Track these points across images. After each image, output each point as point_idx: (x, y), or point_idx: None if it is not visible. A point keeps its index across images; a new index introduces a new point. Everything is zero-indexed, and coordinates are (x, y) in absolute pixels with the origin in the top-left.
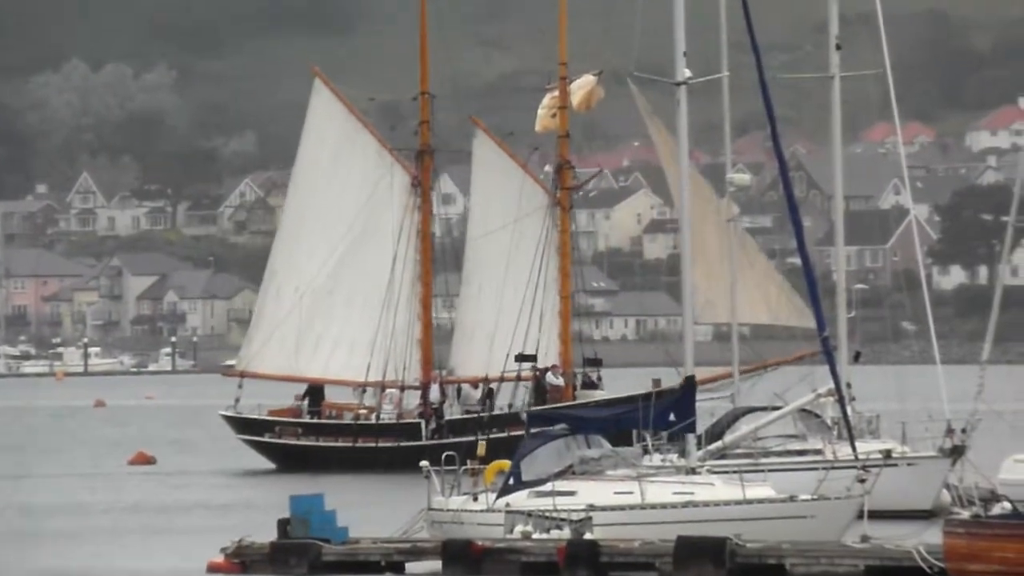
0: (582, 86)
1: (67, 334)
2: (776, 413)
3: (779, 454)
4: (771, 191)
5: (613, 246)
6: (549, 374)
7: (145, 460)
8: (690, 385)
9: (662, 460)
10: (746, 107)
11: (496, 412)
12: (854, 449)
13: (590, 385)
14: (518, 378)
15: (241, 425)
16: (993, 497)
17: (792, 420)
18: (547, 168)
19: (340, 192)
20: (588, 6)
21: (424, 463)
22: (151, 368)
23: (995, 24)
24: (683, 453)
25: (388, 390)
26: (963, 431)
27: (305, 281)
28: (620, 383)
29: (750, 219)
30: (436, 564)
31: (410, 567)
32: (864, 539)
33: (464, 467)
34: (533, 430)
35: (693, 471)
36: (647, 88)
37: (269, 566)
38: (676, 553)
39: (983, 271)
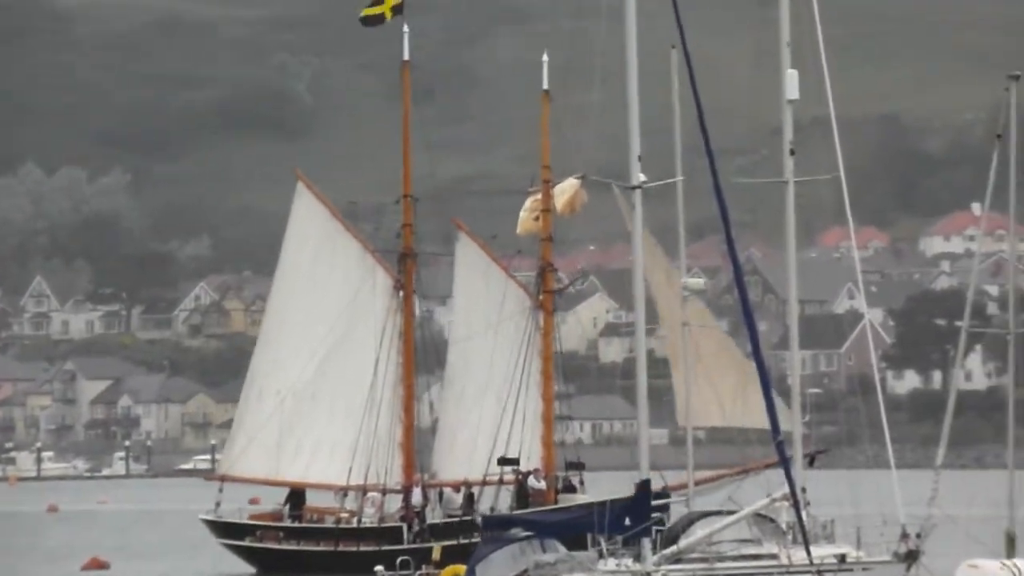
0: (566, 190)
1: (20, 438)
2: (731, 518)
3: (734, 558)
4: (727, 295)
5: (569, 349)
6: (531, 478)
7: (99, 565)
8: (645, 489)
9: (617, 565)
10: (702, 211)
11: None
12: (808, 554)
13: (570, 489)
14: (500, 482)
15: (221, 529)
16: None
17: (747, 524)
18: (529, 274)
19: (322, 294)
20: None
21: (379, 568)
22: (105, 472)
23: (948, 128)
24: (638, 557)
25: (370, 494)
26: (918, 536)
27: (287, 384)
28: (602, 487)
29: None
30: None
31: None
32: None
33: (419, 571)
34: (488, 534)
35: (648, 575)
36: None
37: None
38: None
39: (937, 376)
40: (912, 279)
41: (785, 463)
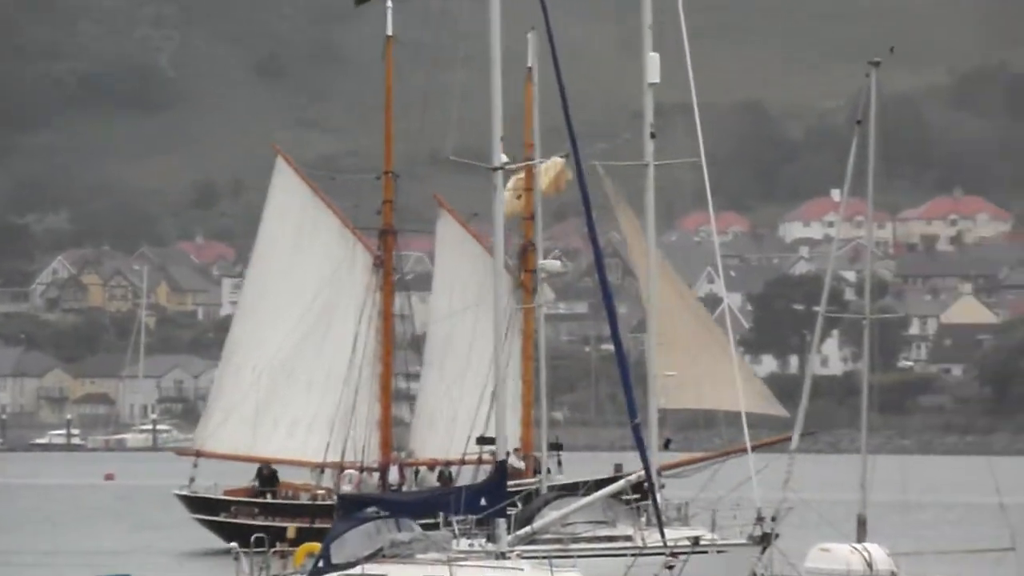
0: (550, 169)
1: None
2: (585, 500)
3: (588, 540)
4: (587, 277)
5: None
6: (511, 457)
7: None
8: (502, 470)
9: (471, 544)
10: (565, 193)
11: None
12: (663, 536)
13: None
14: (479, 461)
15: (196, 504)
16: None
17: (601, 507)
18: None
19: (302, 270)
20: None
21: (233, 544)
22: None
23: (809, 115)
24: (492, 537)
25: (347, 471)
26: (772, 519)
27: (264, 360)
28: (580, 468)
29: (565, 305)
30: None
31: None
32: None
33: (273, 549)
34: (344, 513)
35: (503, 555)
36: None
37: None
38: None
39: (794, 360)
40: (771, 264)
41: (641, 446)
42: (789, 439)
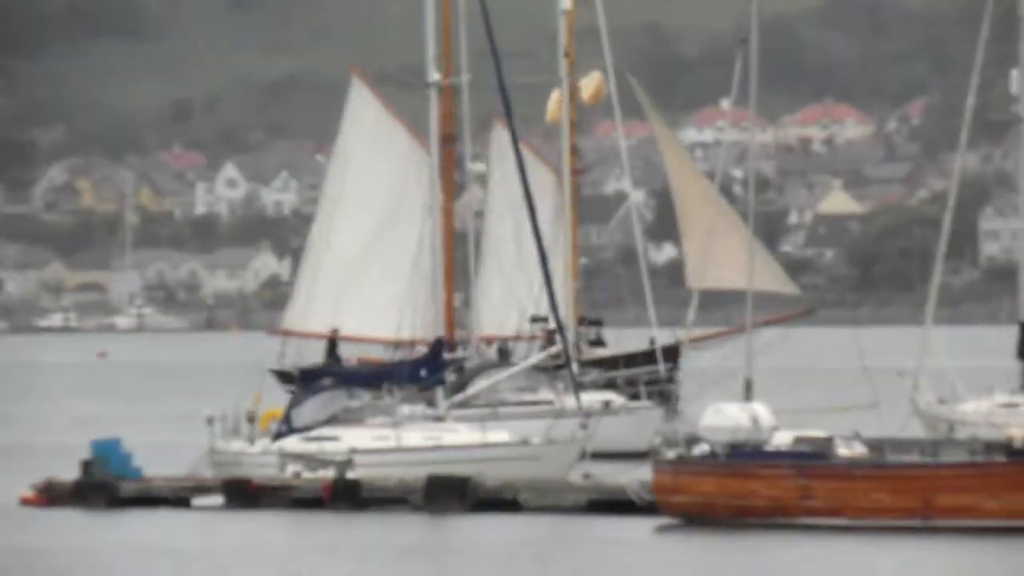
0: (590, 82)
1: None
2: (512, 369)
3: (514, 403)
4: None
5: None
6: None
7: None
8: (438, 345)
9: (412, 410)
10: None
11: None
12: (578, 400)
13: (598, 343)
14: (532, 338)
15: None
16: (695, 440)
17: (525, 376)
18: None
19: (375, 176)
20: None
21: (206, 411)
22: None
23: (702, 34)
24: (432, 403)
25: (418, 347)
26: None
27: (342, 253)
28: (622, 342)
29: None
30: (218, 499)
31: (196, 502)
32: (586, 477)
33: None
34: (303, 383)
35: (440, 419)
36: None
37: (74, 501)
38: (426, 489)
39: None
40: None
41: (559, 324)
42: (798, 315)
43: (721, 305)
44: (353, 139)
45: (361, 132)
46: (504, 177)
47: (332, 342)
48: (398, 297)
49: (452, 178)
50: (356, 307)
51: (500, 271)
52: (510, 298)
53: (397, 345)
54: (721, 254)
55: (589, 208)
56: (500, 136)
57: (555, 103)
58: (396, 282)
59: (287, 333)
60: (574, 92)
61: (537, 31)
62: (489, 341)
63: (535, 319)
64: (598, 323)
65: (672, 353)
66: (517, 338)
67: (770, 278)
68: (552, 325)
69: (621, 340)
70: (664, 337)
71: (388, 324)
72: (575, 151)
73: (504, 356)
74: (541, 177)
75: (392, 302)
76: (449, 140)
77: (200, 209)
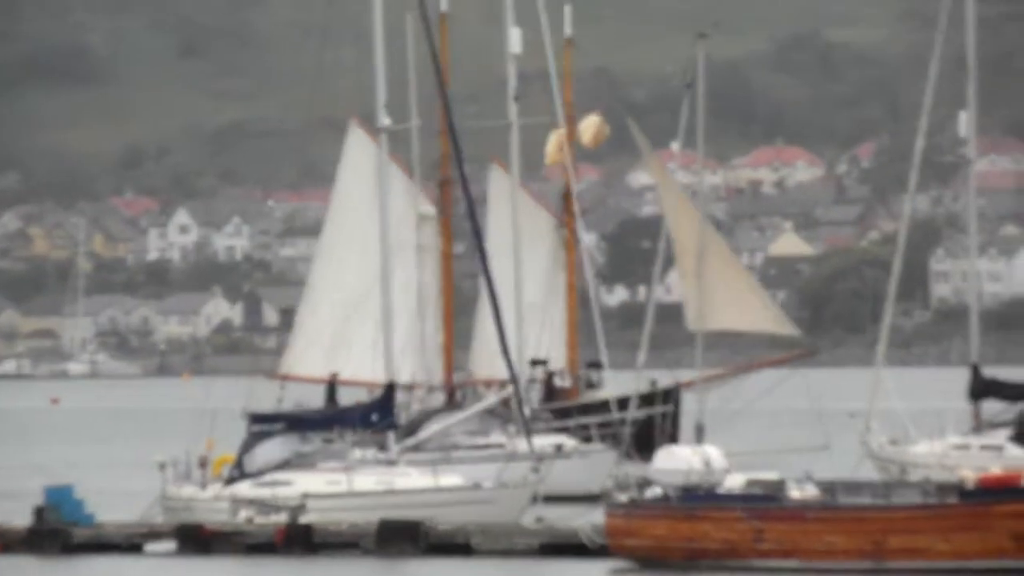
0: (590, 125)
1: None
2: (463, 413)
3: (466, 448)
4: (464, 222)
5: None
6: (556, 377)
7: None
8: (390, 389)
9: (364, 454)
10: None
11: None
12: (530, 444)
13: (591, 386)
14: (531, 381)
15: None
16: (647, 483)
17: (477, 420)
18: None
19: (373, 218)
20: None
21: (158, 456)
22: None
23: (650, 79)
24: (383, 447)
25: (416, 390)
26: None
27: (340, 296)
28: (617, 383)
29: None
30: (171, 545)
31: (148, 548)
32: (539, 520)
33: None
34: (254, 428)
35: (392, 463)
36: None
37: (27, 547)
38: (378, 534)
39: (642, 290)
40: (621, 207)
41: (510, 365)
42: (800, 356)
43: (717, 347)
44: (352, 185)
45: (360, 178)
46: (500, 219)
47: (331, 386)
48: (396, 340)
49: (449, 221)
50: (354, 351)
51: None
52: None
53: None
54: (721, 296)
55: None
56: (497, 178)
57: (554, 146)
58: (395, 325)
59: (285, 378)
60: (572, 134)
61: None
62: (488, 384)
63: (535, 362)
64: (597, 365)
65: (672, 394)
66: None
67: (769, 319)
68: (552, 367)
69: (621, 382)
70: (664, 379)
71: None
72: (572, 194)
73: (505, 401)
74: (540, 221)
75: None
76: (447, 183)
77: (152, 255)
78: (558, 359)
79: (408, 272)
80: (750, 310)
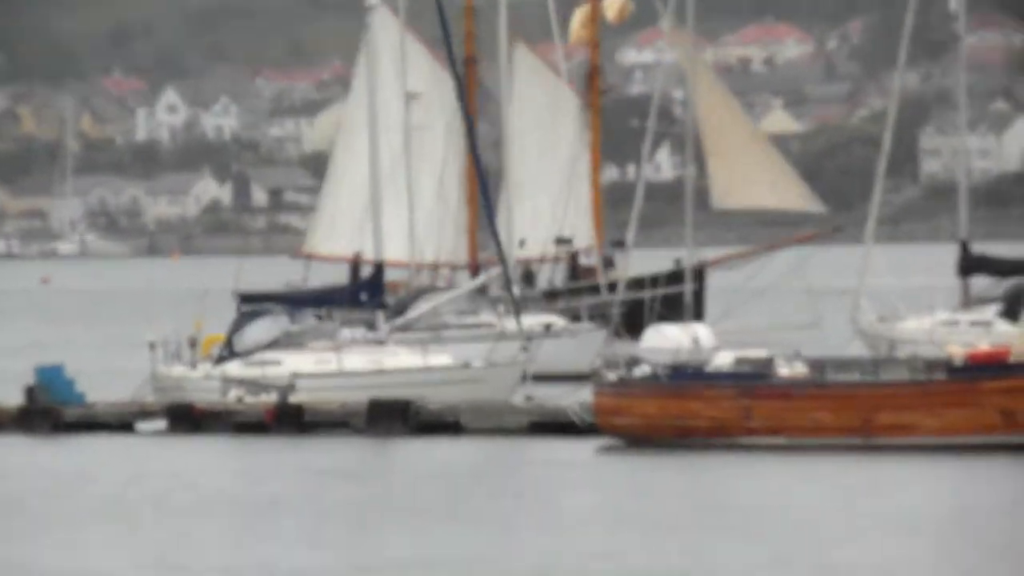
0: (614, 1)
1: None
2: (452, 293)
3: (455, 327)
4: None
5: (318, 149)
6: (582, 255)
7: None
8: (379, 269)
9: (353, 334)
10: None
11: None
12: (519, 323)
13: (610, 264)
14: (556, 259)
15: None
16: (636, 361)
17: (466, 299)
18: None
19: (398, 96)
20: None
21: (148, 336)
22: None
23: None
24: (371, 327)
25: (441, 269)
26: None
27: (363, 175)
28: (644, 263)
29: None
30: (161, 424)
31: (139, 427)
32: (528, 399)
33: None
34: (244, 308)
35: (382, 342)
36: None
37: (18, 426)
38: (368, 413)
39: (632, 169)
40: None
41: (499, 247)
42: (825, 234)
43: (707, 226)
44: (375, 63)
45: (381, 55)
46: (523, 99)
47: (355, 265)
48: (420, 220)
49: (475, 99)
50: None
51: (522, 191)
52: (535, 219)
53: (419, 268)
54: (749, 173)
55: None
56: (521, 57)
57: (579, 22)
58: (418, 205)
59: (310, 256)
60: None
61: None
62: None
63: (560, 240)
64: (620, 244)
65: (698, 274)
66: (542, 260)
67: (796, 197)
68: (577, 245)
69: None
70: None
71: (412, 247)
72: (598, 72)
73: (529, 279)
74: (564, 98)
75: (415, 225)
76: (471, 62)
77: (141, 135)
78: (583, 238)
79: (433, 151)
80: (778, 187)
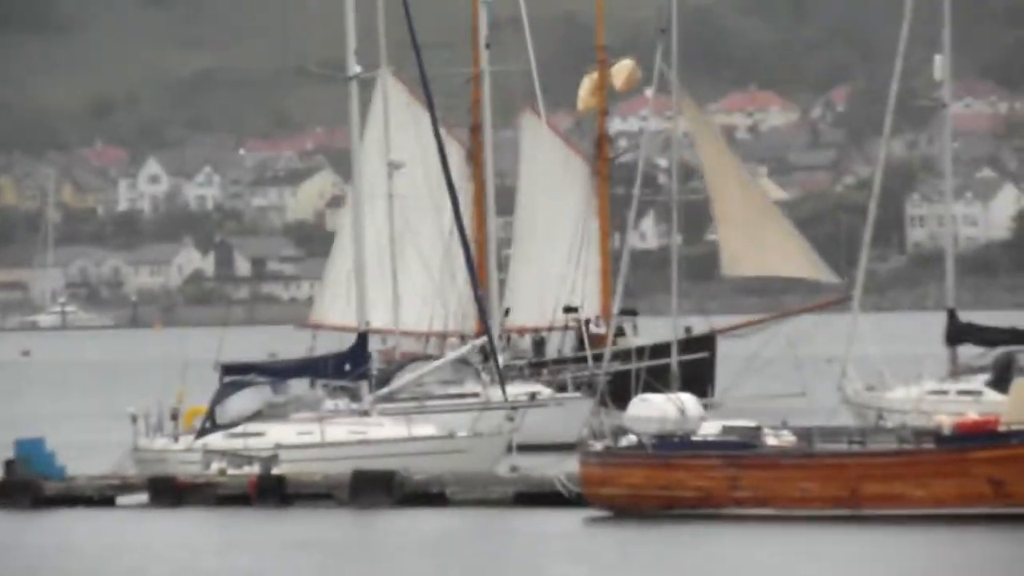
0: (622, 69)
1: None
2: (436, 363)
3: (440, 397)
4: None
5: (299, 218)
6: (591, 324)
7: None
8: (362, 339)
9: (337, 404)
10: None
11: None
12: (504, 392)
13: (619, 334)
14: (565, 327)
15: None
16: (621, 431)
17: (451, 369)
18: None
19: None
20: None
21: (130, 408)
22: None
23: (621, 25)
24: (355, 398)
25: (450, 339)
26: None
27: (370, 243)
28: (654, 331)
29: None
30: (143, 497)
31: (121, 500)
32: (513, 469)
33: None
34: (226, 379)
35: (365, 413)
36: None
37: None
38: (352, 484)
39: (617, 237)
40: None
41: (483, 315)
42: (834, 303)
43: (758, 293)
44: (377, 133)
45: (390, 124)
46: (532, 166)
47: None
48: (427, 289)
49: (480, 167)
50: (382, 300)
51: (531, 259)
52: (542, 287)
53: (427, 337)
54: (761, 241)
55: (510, 202)
56: (530, 123)
57: (587, 90)
58: (425, 274)
59: (317, 326)
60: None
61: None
62: (521, 332)
63: (568, 309)
64: (632, 312)
65: (707, 341)
66: (550, 328)
67: (807, 265)
68: (585, 315)
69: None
70: (699, 326)
71: (419, 316)
72: (607, 139)
73: (539, 347)
74: (573, 166)
75: (420, 294)
76: (475, 130)
77: (123, 205)
78: (592, 306)
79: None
80: (790, 256)
